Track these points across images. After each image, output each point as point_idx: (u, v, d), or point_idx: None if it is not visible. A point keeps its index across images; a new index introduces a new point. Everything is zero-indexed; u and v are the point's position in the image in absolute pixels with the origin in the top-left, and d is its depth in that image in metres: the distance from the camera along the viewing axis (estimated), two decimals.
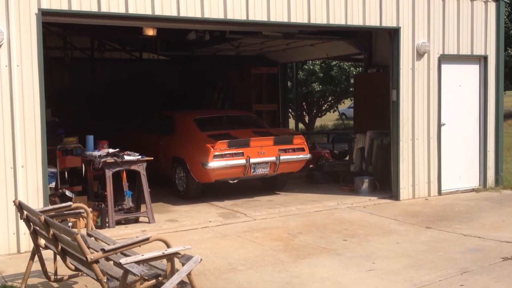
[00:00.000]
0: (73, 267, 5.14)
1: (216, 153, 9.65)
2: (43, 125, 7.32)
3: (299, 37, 12.17)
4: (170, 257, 4.41)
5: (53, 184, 8.57)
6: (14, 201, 5.61)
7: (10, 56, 7.10)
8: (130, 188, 8.80)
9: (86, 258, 4.38)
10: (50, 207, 5.96)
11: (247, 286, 5.84)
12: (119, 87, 16.49)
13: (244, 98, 15.46)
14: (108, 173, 8.34)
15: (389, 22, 9.83)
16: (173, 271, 4.39)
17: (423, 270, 6.25)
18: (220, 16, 8.46)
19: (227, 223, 8.60)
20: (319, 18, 9.24)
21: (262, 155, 10.05)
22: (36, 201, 7.23)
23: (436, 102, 10.36)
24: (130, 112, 15.21)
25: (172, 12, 8.11)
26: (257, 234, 7.91)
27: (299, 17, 9.07)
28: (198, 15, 8.30)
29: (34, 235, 5.50)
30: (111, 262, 4.93)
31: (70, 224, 7.51)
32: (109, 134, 10.83)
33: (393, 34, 10.01)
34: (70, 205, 5.87)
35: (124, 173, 8.69)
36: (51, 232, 4.94)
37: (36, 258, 5.62)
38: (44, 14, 7.28)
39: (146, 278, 4.36)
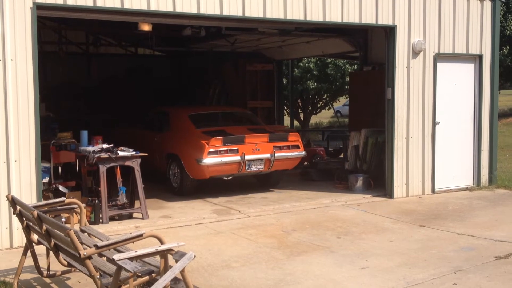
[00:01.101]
0: (66, 263, 5.12)
1: (211, 150, 9.64)
2: (37, 119, 7.29)
3: (295, 34, 12.18)
4: (163, 254, 4.40)
5: (46, 179, 8.56)
6: (7, 196, 5.57)
7: (4, 50, 7.06)
8: (124, 184, 8.78)
9: (79, 254, 4.35)
10: (43, 202, 5.92)
11: (241, 283, 5.84)
12: (114, 82, 16.44)
13: (239, 94, 15.44)
14: (102, 169, 8.31)
15: (385, 20, 9.83)
16: (167, 267, 4.38)
17: (417, 268, 6.26)
18: (216, 12, 8.44)
19: (221, 219, 8.59)
20: (315, 15, 9.24)
21: (257, 152, 10.04)
22: (29, 196, 7.20)
23: (431, 100, 10.38)
24: (125, 108, 15.17)
25: (168, 8, 8.08)
26: (251, 231, 7.91)
27: (295, 14, 9.06)
28: (193, 10, 8.28)
29: (27, 230, 5.47)
30: (104, 258, 4.90)
31: (63, 219, 7.48)
32: (104, 130, 10.80)
33: (389, 32, 10.02)
34: (64, 201, 5.84)
35: (118, 168, 8.67)
36: (44, 227, 4.91)
37: (29, 253, 5.59)
38: (39, 8, 7.24)
39: (139, 274, 4.35)
